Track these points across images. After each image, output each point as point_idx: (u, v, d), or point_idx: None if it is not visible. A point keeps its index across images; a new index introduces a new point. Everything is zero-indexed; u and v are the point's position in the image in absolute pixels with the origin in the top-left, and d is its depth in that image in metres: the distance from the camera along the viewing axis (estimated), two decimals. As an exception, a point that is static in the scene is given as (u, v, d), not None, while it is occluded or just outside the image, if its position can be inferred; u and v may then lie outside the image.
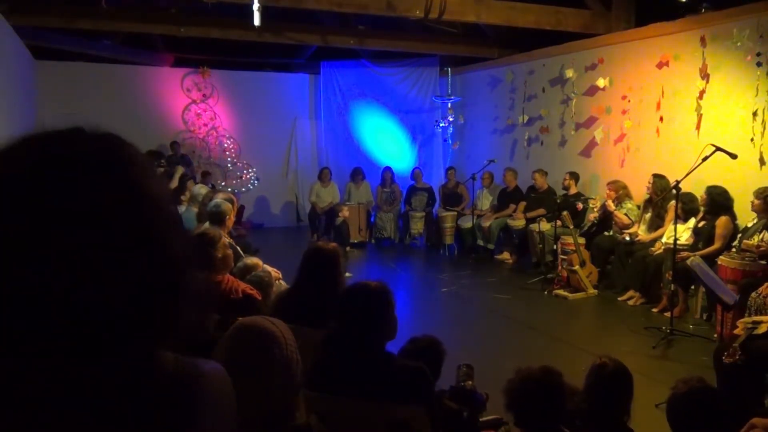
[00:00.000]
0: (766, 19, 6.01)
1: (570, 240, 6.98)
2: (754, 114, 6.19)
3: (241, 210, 9.27)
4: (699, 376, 2.45)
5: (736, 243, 5.71)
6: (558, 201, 7.83)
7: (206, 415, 0.80)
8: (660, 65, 7.26)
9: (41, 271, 0.67)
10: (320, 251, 3.18)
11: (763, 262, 5.31)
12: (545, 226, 7.86)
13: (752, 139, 6.21)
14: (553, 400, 2.20)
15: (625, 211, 7.16)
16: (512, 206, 9.03)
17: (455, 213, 9.57)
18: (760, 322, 3.69)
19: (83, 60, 10.58)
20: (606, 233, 7.31)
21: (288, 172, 11.91)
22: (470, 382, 2.74)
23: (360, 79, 11.58)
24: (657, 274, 6.27)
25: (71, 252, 0.68)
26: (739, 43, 6.22)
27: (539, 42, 9.04)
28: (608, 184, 7.42)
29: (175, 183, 8.45)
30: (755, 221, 5.67)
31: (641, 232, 6.90)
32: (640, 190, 7.18)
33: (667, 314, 5.70)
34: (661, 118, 7.28)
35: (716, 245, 5.85)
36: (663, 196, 6.61)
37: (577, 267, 6.82)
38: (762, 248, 5.36)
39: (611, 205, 7.18)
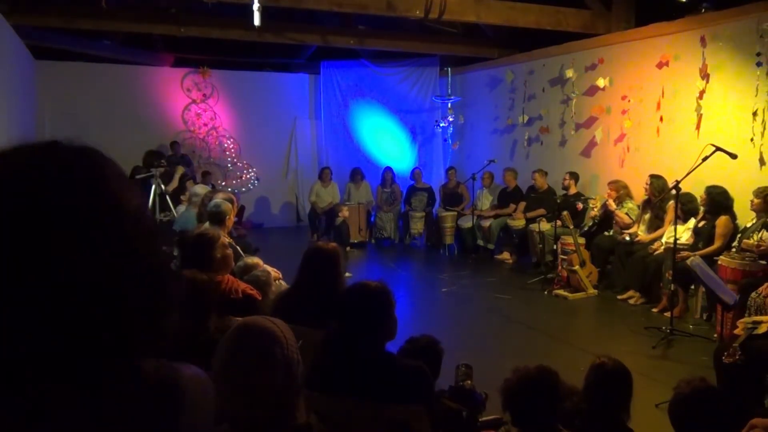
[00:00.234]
0: (766, 19, 6.01)
1: (570, 240, 6.98)
2: (754, 114, 6.19)
3: (241, 210, 9.28)
4: (701, 376, 2.45)
5: (735, 243, 5.71)
6: (558, 201, 7.83)
7: (187, 419, 0.81)
8: (660, 65, 7.26)
9: (24, 284, 0.68)
10: (320, 251, 3.18)
11: (763, 261, 5.31)
12: (545, 226, 7.87)
13: (752, 139, 6.21)
14: (550, 399, 2.20)
15: (626, 210, 7.16)
16: (512, 206, 9.03)
17: (455, 213, 9.57)
18: (760, 322, 3.69)
19: (83, 60, 10.58)
20: (606, 233, 7.32)
21: (288, 172, 11.91)
22: (469, 382, 2.75)
23: (360, 79, 11.58)
24: (657, 274, 6.27)
25: (54, 265, 0.69)
26: (741, 43, 6.22)
27: (539, 42, 9.04)
28: (609, 183, 7.42)
29: (175, 183, 8.46)
30: (754, 221, 5.67)
31: (641, 233, 6.90)
32: (640, 191, 7.18)
33: (667, 314, 5.70)
34: (661, 118, 7.28)
35: (716, 245, 5.85)
36: (662, 197, 6.62)
37: (577, 267, 6.82)
38: (762, 247, 5.36)
39: (612, 204, 7.18)
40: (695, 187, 6.19)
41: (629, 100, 7.73)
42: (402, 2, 7.66)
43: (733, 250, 5.64)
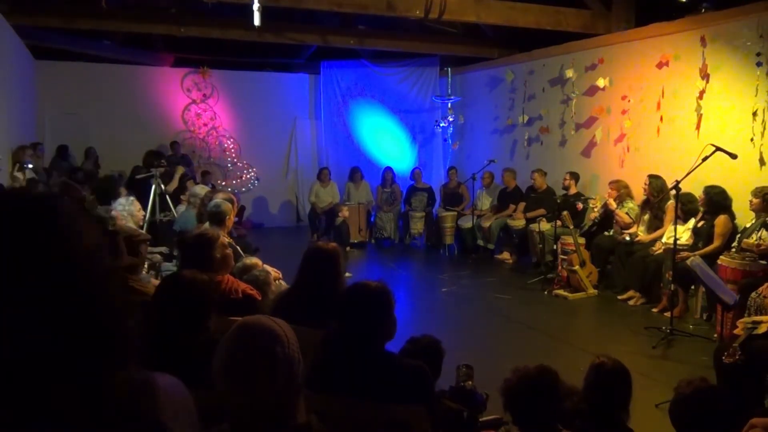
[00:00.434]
0: (766, 19, 6.01)
1: (570, 240, 6.98)
2: (754, 114, 6.19)
3: (241, 210, 9.28)
4: (702, 376, 2.44)
5: (735, 243, 5.71)
6: (558, 201, 7.83)
7: (166, 427, 0.84)
8: (660, 65, 7.26)
9: None
10: (320, 251, 3.18)
11: (763, 261, 5.31)
12: (545, 226, 7.87)
13: (752, 139, 6.21)
14: (549, 398, 2.20)
15: (626, 210, 7.16)
16: (512, 206, 9.03)
17: (455, 213, 9.57)
18: (760, 322, 3.69)
19: (83, 60, 10.58)
20: (606, 233, 7.31)
21: (288, 172, 11.92)
22: (470, 382, 2.75)
23: (360, 79, 11.58)
24: (657, 274, 6.27)
25: (11, 303, 0.74)
26: (741, 43, 6.22)
27: (539, 42, 9.04)
28: (610, 183, 7.42)
29: (175, 183, 8.45)
30: (754, 221, 5.67)
31: (640, 233, 6.90)
32: (639, 191, 7.18)
33: (667, 314, 5.70)
34: (661, 118, 7.28)
35: (715, 244, 5.85)
36: (661, 197, 6.61)
37: (577, 267, 6.82)
38: (762, 247, 5.36)
39: (612, 204, 7.17)
40: (695, 187, 6.18)
41: (629, 100, 7.73)
42: (402, 2, 7.66)
43: (733, 250, 5.64)
